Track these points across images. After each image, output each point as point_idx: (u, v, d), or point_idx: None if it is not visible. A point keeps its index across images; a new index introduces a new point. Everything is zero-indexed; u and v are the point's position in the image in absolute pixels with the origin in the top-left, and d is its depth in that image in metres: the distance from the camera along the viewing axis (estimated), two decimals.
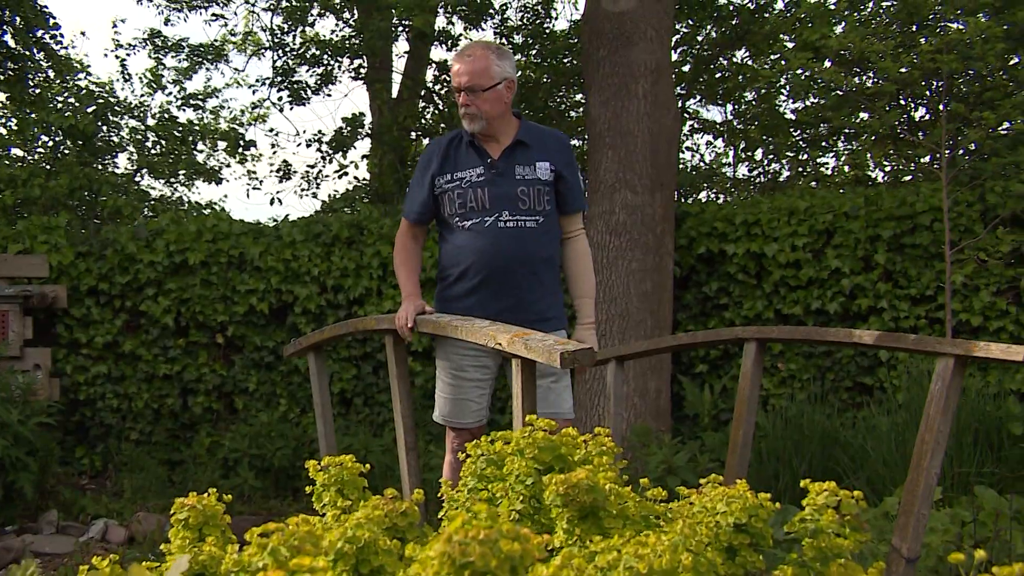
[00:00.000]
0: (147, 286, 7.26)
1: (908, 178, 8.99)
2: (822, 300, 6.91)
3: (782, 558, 2.20)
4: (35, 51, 9.82)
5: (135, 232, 7.36)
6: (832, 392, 6.83)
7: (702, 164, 12.54)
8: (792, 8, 10.30)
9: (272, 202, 17.36)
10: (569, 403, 3.84)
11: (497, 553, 1.19)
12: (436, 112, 12.28)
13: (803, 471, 5.72)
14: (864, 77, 7.68)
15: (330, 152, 11.82)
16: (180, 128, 10.66)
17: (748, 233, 7.09)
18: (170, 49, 11.42)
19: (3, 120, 9.73)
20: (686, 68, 11.41)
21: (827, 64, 7.72)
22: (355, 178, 11.95)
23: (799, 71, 7.73)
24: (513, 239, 3.68)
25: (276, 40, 11.38)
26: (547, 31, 11.67)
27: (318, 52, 11.20)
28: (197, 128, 11.06)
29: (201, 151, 11.40)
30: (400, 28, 11.17)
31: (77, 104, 9.27)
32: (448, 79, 11.78)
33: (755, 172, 11.98)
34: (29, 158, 9.40)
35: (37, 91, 9.86)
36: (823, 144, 10.80)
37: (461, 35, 11.58)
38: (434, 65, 11.99)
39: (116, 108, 9.96)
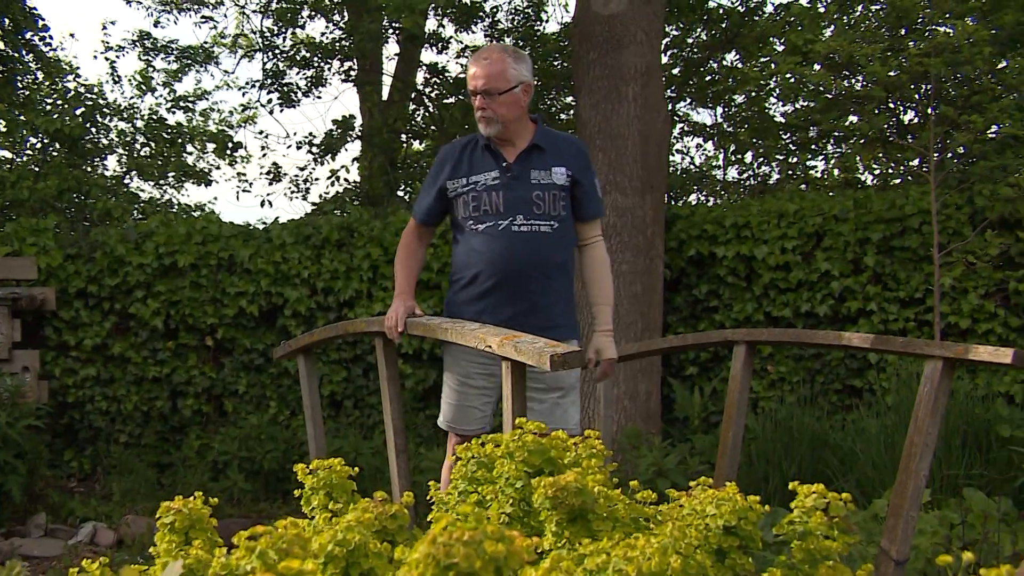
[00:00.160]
0: (136, 288, 7.24)
1: (897, 181, 9.01)
2: (811, 303, 6.92)
3: (771, 560, 2.20)
4: (24, 53, 9.79)
5: (124, 234, 7.34)
6: (822, 394, 6.85)
7: (692, 167, 12.55)
8: (782, 12, 10.33)
9: (262, 204, 17.36)
10: (576, 418, 3.80)
11: (481, 554, 1.19)
12: (426, 114, 12.28)
13: (793, 473, 5.73)
14: (853, 80, 7.71)
15: (320, 154, 11.80)
16: (169, 130, 10.64)
17: (738, 236, 7.11)
18: (159, 51, 11.40)
19: None
20: (676, 71, 11.43)
21: (816, 67, 7.74)
22: (345, 180, 11.94)
23: (788, 75, 7.75)
24: (527, 243, 3.65)
25: (266, 42, 11.37)
26: (537, 34, 11.68)
27: (308, 54, 11.19)
28: (186, 130, 11.03)
29: (191, 153, 11.38)
30: (390, 30, 11.17)
31: (65, 106, 9.24)
32: (438, 81, 11.78)
33: (745, 175, 11.99)
34: (17, 160, 9.37)
35: (26, 93, 9.83)
36: (812, 147, 10.82)
37: (451, 37, 11.60)
38: (424, 67, 11.99)
39: (105, 110, 9.93)
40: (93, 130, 9.68)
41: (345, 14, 11.64)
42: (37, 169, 8.83)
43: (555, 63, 11.18)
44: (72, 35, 23.55)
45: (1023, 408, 6.10)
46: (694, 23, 11.36)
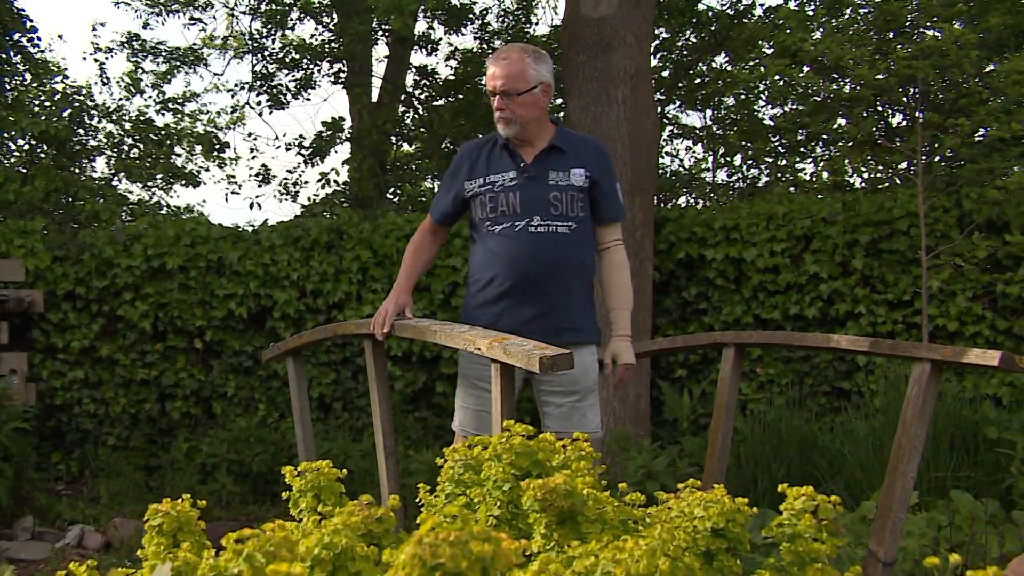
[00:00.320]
0: (125, 290, 7.22)
1: (885, 184, 9.04)
2: (800, 305, 6.94)
3: (760, 562, 2.21)
4: (11, 54, 9.75)
5: (113, 236, 7.32)
6: (810, 397, 6.86)
7: (681, 169, 12.58)
8: (771, 14, 10.35)
9: (251, 206, 17.32)
10: (596, 422, 3.75)
11: (468, 555, 1.19)
12: (416, 116, 12.28)
13: (782, 475, 5.74)
14: (841, 83, 7.73)
15: (309, 157, 11.79)
16: (157, 132, 10.61)
17: (727, 238, 7.12)
18: (148, 53, 11.37)
19: None
20: (665, 73, 11.45)
21: (805, 70, 7.76)
22: (335, 182, 11.94)
23: (776, 77, 7.77)
24: (544, 244, 3.61)
25: (255, 44, 11.35)
26: (527, 36, 11.68)
27: (297, 56, 11.18)
28: (174, 131, 11.00)
29: (179, 155, 11.35)
30: (380, 32, 11.17)
31: (53, 108, 9.21)
32: (428, 83, 11.78)
33: (734, 177, 12.02)
34: (4, 162, 9.33)
35: (14, 94, 9.79)
36: (801, 150, 10.84)
37: (441, 39, 11.60)
38: (414, 70, 11.99)
39: (93, 112, 9.90)
40: (81, 132, 9.65)
41: (334, 16, 11.64)
42: (25, 171, 8.79)
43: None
44: (60, 36, 23.51)
45: (1010, 410, 6.13)
46: (683, 26, 11.38)
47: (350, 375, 7.32)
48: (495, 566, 1.23)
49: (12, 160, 9.21)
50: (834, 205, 7.01)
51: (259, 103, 11.47)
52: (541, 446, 2.10)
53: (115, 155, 10.38)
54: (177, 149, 11.15)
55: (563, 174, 3.67)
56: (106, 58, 11.18)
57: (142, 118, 10.66)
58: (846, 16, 8.20)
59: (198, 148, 11.51)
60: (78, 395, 7.21)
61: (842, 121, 8.36)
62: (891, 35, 7.38)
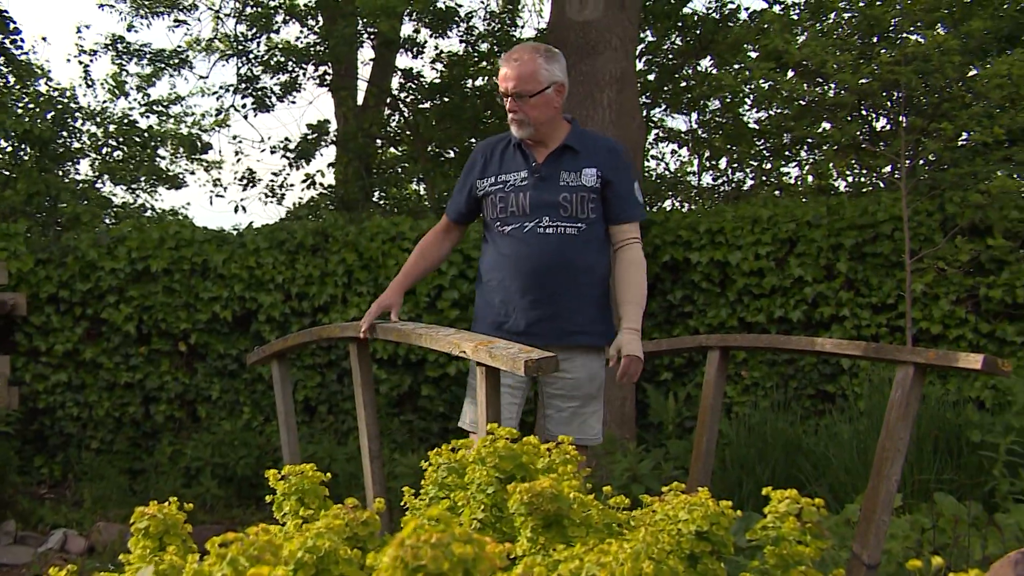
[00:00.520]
0: (108, 293, 7.19)
1: (869, 188, 9.09)
2: (785, 308, 6.96)
3: (744, 565, 2.21)
4: None
5: (96, 239, 7.29)
6: (795, 400, 6.88)
7: (667, 173, 12.62)
8: (756, 18, 10.40)
9: (236, 209, 17.26)
10: (597, 429, 3.72)
11: (449, 556, 1.19)
12: (402, 119, 12.28)
13: (766, 478, 5.76)
14: (825, 88, 7.76)
15: (295, 159, 11.78)
16: (141, 134, 10.57)
17: (712, 241, 7.14)
18: (133, 55, 11.34)
19: None
20: (651, 77, 11.49)
21: (789, 75, 7.79)
22: (320, 185, 11.92)
23: (761, 80, 7.79)
24: (552, 245, 3.57)
25: (240, 47, 11.33)
26: (513, 39, 11.70)
27: (282, 59, 11.16)
28: (158, 134, 10.96)
29: (163, 157, 11.32)
30: (365, 35, 11.16)
31: (36, 110, 9.16)
32: (413, 86, 11.78)
33: (719, 181, 12.07)
34: None
35: None
36: (786, 154, 10.89)
37: (426, 42, 11.60)
38: (399, 72, 11.99)
39: (76, 114, 9.86)
40: (65, 134, 9.61)
41: (320, 19, 11.63)
42: (7, 174, 8.75)
43: None
44: (44, 39, 23.40)
45: (993, 413, 6.16)
46: (669, 29, 11.43)
47: (335, 378, 7.30)
48: (477, 568, 1.23)
49: None
50: (818, 209, 7.03)
51: (244, 106, 11.45)
52: (525, 449, 2.10)
53: (99, 157, 10.34)
54: (161, 151, 11.11)
55: (575, 174, 3.62)
56: (90, 60, 11.15)
57: (126, 120, 10.62)
58: (830, 20, 8.23)
59: (182, 150, 11.49)
60: (61, 398, 7.17)
61: (826, 125, 8.40)
62: (875, 40, 7.42)
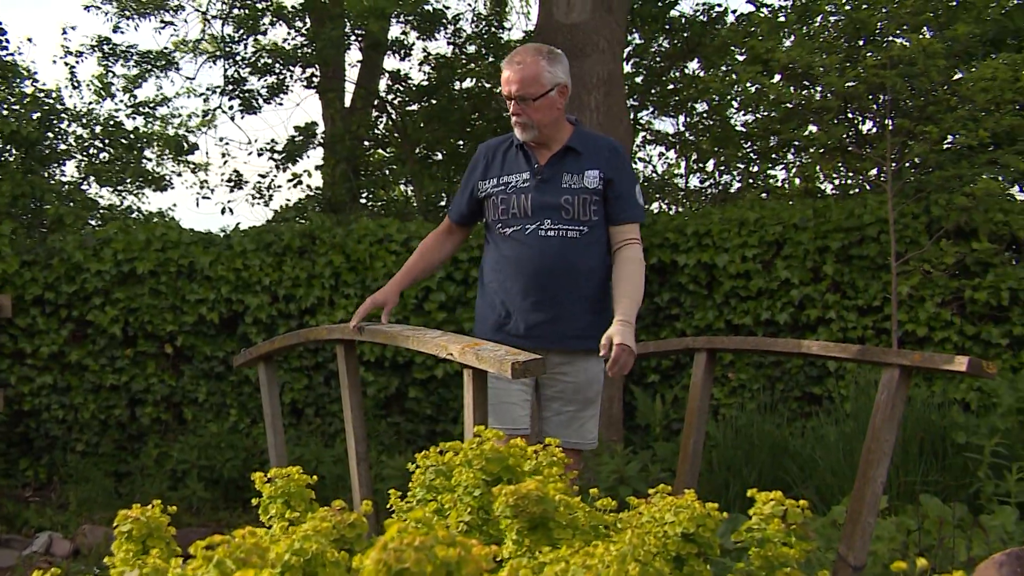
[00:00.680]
0: (94, 295, 7.16)
1: (856, 190, 9.11)
2: (772, 310, 6.98)
3: (730, 567, 2.22)
4: None
5: (82, 241, 7.26)
6: (782, 402, 6.90)
7: (654, 175, 12.63)
8: (743, 21, 10.42)
9: (223, 211, 17.22)
10: (593, 433, 3.71)
11: (433, 559, 1.19)
12: (389, 122, 12.27)
13: (753, 480, 5.77)
14: (812, 90, 7.79)
15: (282, 161, 11.76)
16: (127, 136, 10.53)
17: (699, 244, 7.15)
18: (119, 56, 11.30)
19: None
20: (639, 79, 11.51)
21: (776, 78, 7.81)
22: (307, 187, 11.91)
23: (748, 84, 7.81)
24: (554, 248, 3.56)
25: (227, 49, 11.31)
26: (501, 41, 11.70)
27: (270, 61, 11.14)
28: (145, 135, 10.92)
29: (149, 159, 11.28)
30: (353, 37, 11.15)
31: (22, 111, 9.12)
32: (401, 88, 11.77)
33: (707, 183, 12.09)
34: None
35: None
36: (773, 156, 10.92)
37: (414, 44, 11.59)
38: (387, 74, 11.98)
39: (62, 115, 9.82)
40: (50, 135, 9.57)
41: (307, 21, 11.61)
42: None
43: None
44: (30, 40, 23.29)
45: (979, 415, 6.18)
46: (656, 32, 11.45)
47: (322, 380, 7.29)
48: (461, 571, 1.23)
49: None
50: (805, 211, 7.06)
51: (231, 107, 11.42)
52: (512, 452, 2.10)
53: (85, 159, 10.30)
54: (147, 153, 11.07)
55: (577, 176, 3.61)
56: (76, 61, 11.10)
57: (112, 122, 10.58)
58: (816, 23, 8.26)
59: (168, 152, 11.45)
60: (46, 401, 7.14)
61: (813, 128, 8.42)
62: (861, 43, 7.44)
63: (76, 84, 10.83)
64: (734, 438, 6.18)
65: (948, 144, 7.26)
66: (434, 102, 11.33)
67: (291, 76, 11.37)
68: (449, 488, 2.09)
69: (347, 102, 12.11)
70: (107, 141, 10.36)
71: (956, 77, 7.14)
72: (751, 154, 11.30)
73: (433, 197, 11.36)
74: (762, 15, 9.39)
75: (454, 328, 7.05)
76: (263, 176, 12.07)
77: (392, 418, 7.30)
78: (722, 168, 11.81)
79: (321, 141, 11.76)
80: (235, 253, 7.29)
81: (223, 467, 6.81)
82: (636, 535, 1.81)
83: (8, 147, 9.03)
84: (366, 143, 12.34)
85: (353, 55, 12.22)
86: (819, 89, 7.55)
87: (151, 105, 11.54)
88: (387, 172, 12.83)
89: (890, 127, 6.98)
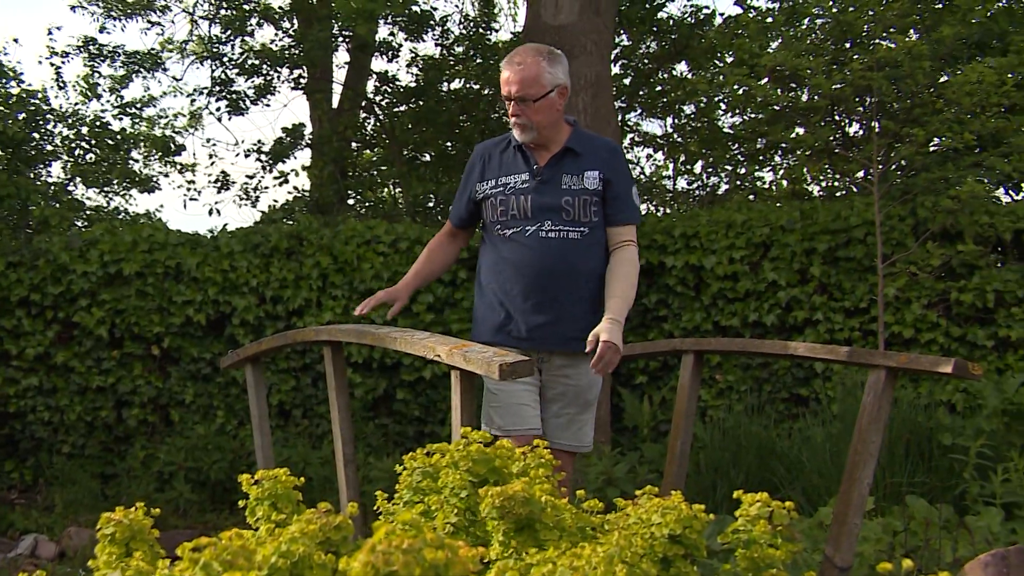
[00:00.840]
0: (80, 297, 7.14)
1: (843, 192, 9.15)
2: (759, 312, 6.99)
3: (717, 568, 2.22)
4: None
5: (68, 242, 7.23)
6: (769, 403, 6.92)
7: (642, 177, 12.65)
8: (731, 23, 10.45)
9: (210, 212, 17.18)
10: (590, 436, 3.70)
11: (421, 562, 1.19)
12: (377, 123, 12.26)
13: (740, 482, 5.78)
14: (799, 92, 7.81)
15: (269, 162, 11.74)
16: (114, 136, 10.49)
17: (687, 245, 7.16)
18: (105, 57, 11.26)
19: None
20: (627, 81, 11.52)
21: (764, 80, 7.83)
22: (295, 188, 11.89)
23: (736, 86, 7.83)
24: (555, 250, 3.54)
25: (214, 50, 11.28)
26: (489, 43, 11.70)
27: (257, 62, 11.12)
28: (131, 136, 10.88)
29: (136, 160, 11.24)
30: (340, 39, 11.14)
31: (7, 111, 9.08)
32: (388, 90, 11.76)
33: (694, 185, 12.11)
34: None
35: None
36: (760, 158, 10.94)
37: (402, 46, 11.58)
38: (375, 76, 11.97)
39: (48, 116, 9.78)
40: (36, 136, 9.53)
41: (295, 22, 11.59)
42: None
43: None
44: (16, 40, 23.21)
45: (964, 416, 6.21)
46: (644, 34, 11.46)
47: (310, 382, 7.28)
48: (449, 573, 1.22)
49: None
50: (792, 213, 7.07)
51: (218, 108, 11.40)
52: (499, 453, 2.10)
53: (71, 160, 10.26)
54: (134, 154, 11.03)
55: (576, 178, 3.59)
56: (62, 62, 11.05)
57: (99, 123, 10.54)
58: (804, 26, 8.29)
59: (155, 153, 11.41)
60: (32, 402, 7.11)
61: (800, 130, 8.45)
62: (847, 45, 7.47)
63: (62, 84, 10.79)
64: (721, 439, 6.20)
65: (934, 146, 7.30)
66: (422, 103, 11.33)
67: (278, 77, 11.35)
68: (436, 490, 2.09)
69: (335, 103, 12.10)
70: (93, 142, 10.32)
71: (942, 80, 7.17)
72: (739, 156, 11.32)
73: (421, 199, 11.34)
74: (749, 17, 9.41)
75: (442, 330, 7.05)
76: (250, 177, 12.05)
77: (380, 420, 7.29)
78: (710, 170, 11.83)
79: (309, 142, 11.74)
80: (222, 254, 7.28)
81: (210, 469, 6.79)
82: (623, 536, 1.81)
83: None
84: (354, 144, 12.33)
85: (341, 56, 12.22)
86: (806, 91, 7.57)
87: (138, 106, 11.50)
88: (375, 174, 12.82)
89: (876, 129, 7.00)
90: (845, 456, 4.19)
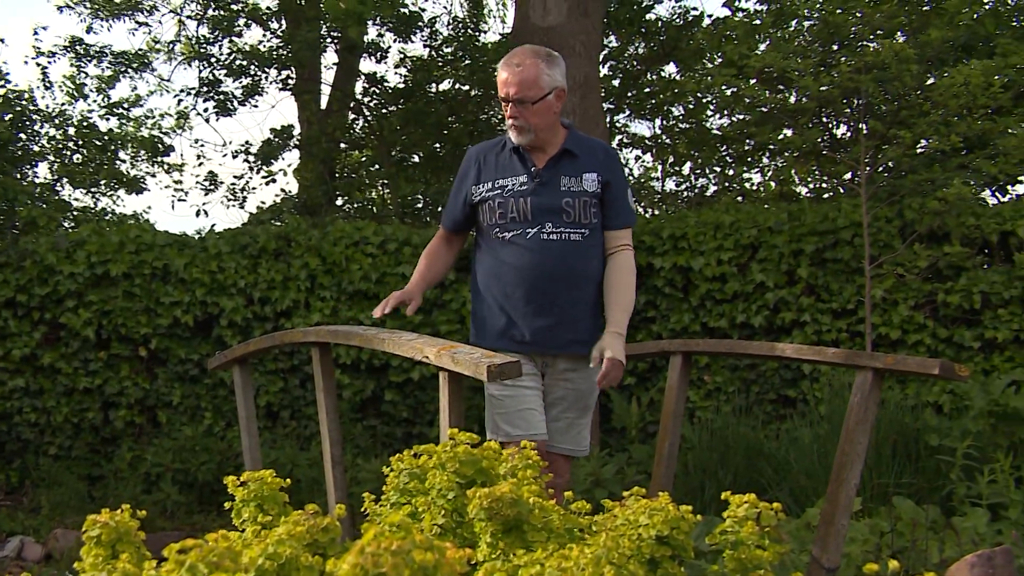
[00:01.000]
0: (67, 298, 7.11)
1: (830, 194, 9.17)
2: (747, 313, 7.01)
3: (704, 570, 2.22)
4: None
5: (55, 243, 7.20)
6: (757, 404, 6.93)
7: (631, 178, 12.66)
8: (719, 25, 10.47)
9: (198, 214, 17.13)
10: (587, 440, 3.69)
11: (410, 563, 1.19)
12: (365, 124, 12.24)
13: (728, 483, 5.79)
14: (787, 94, 7.83)
15: (257, 163, 11.71)
16: (101, 137, 10.45)
17: (675, 247, 7.17)
18: (92, 57, 11.21)
19: None
20: (615, 83, 11.54)
21: (752, 82, 7.85)
22: (283, 190, 11.87)
23: (724, 87, 7.85)
24: (556, 252, 3.50)
25: (202, 51, 11.25)
26: (477, 44, 11.71)
27: (244, 62, 11.10)
28: (119, 137, 10.85)
29: (123, 160, 11.20)
30: (329, 40, 11.13)
31: None
32: (377, 91, 11.75)
33: (683, 186, 12.13)
34: None
35: None
36: (748, 160, 10.97)
37: (390, 47, 11.58)
38: (363, 77, 11.96)
39: (35, 116, 9.73)
40: (23, 136, 9.49)
41: (283, 23, 11.57)
42: None
43: (495, 73, 11.22)
44: (2, 41, 23.11)
45: (951, 418, 6.23)
46: (632, 35, 11.48)
47: (298, 383, 7.26)
48: (437, 575, 1.22)
49: None
50: (780, 215, 7.09)
51: (206, 109, 11.37)
52: (486, 454, 2.10)
53: (58, 160, 10.22)
54: (122, 155, 10.99)
55: (575, 179, 3.56)
56: (49, 62, 11.00)
57: (86, 123, 10.50)
58: (791, 28, 8.31)
59: (142, 153, 11.37)
60: (19, 404, 7.08)
61: (788, 131, 8.47)
62: (835, 47, 7.49)
63: (48, 85, 10.74)
64: (709, 440, 6.21)
65: (921, 148, 7.32)
66: (410, 104, 11.32)
67: (266, 78, 11.33)
68: (423, 491, 2.09)
69: (323, 104, 12.08)
70: (80, 142, 10.29)
71: (929, 82, 7.20)
72: (727, 157, 11.34)
73: (409, 200, 11.34)
74: (737, 19, 9.44)
75: (431, 331, 7.04)
76: (238, 178, 12.02)
77: (368, 421, 7.28)
78: (698, 171, 11.85)
79: (297, 143, 11.72)
80: (210, 255, 7.26)
81: (197, 470, 6.77)
82: (610, 538, 1.81)
83: None
84: (342, 145, 12.31)
85: (329, 57, 12.21)
86: (794, 93, 7.59)
87: (125, 106, 11.46)
88: (363, 174, 12.80)
89: (864, 131, 7.02)
90: (832, 457, 4.20)
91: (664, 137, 12.00)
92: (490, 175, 3.63)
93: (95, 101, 11.21)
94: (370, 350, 6.79)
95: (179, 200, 12.22)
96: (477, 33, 11.98)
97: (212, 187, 11.95)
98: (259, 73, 11.22)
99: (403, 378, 7.17)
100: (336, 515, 2.10)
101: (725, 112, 9.73)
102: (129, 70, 11.50)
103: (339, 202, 12.18)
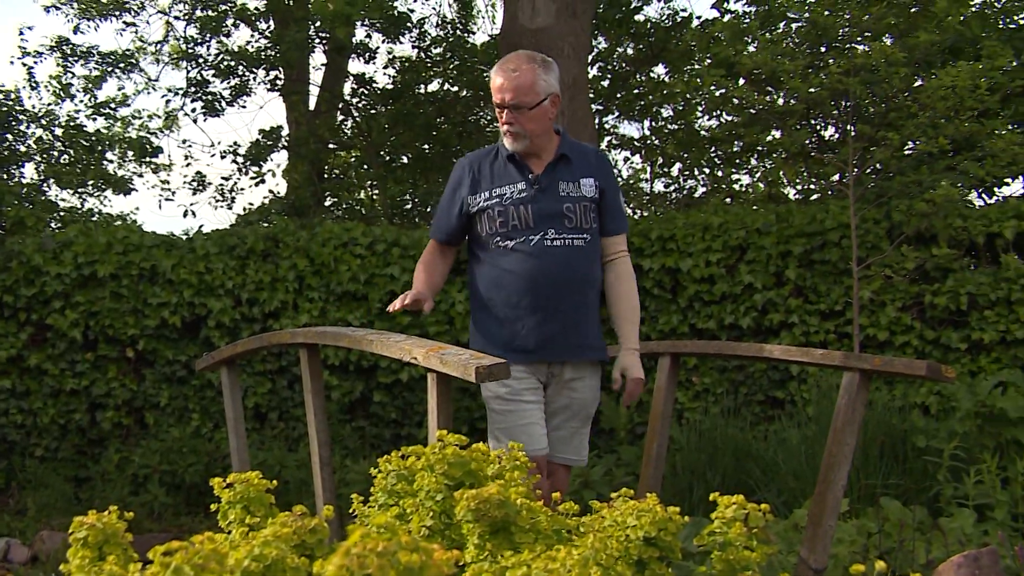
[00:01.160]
0: (54, 299, 7.08)
1: (818, 196, 9.20)
2: (735, 315, 7.02)
3: (692, 571, 2.22)
4: None
5: (42, 244, 7.17)
6: (745, 406, 6.94)
7: (619, 179, 12.68)
8: (708, 26, 10.50)
9: (185, 214, 17.08)
10: (586, 449, 3.69)
11: (396, 565, 1.19)
12: (354, 125, 12.23)
13: (717, 484, 5.80)
14: (775, 96, 7.85)
15: (245, 164, 11.69)
16: (88, 138, 10.42)
17: (664, 248, 7.18)
18: (79, 57, 11.18)
19: None
20: (604, 84, 11.55)
21: (740, 82, 7.86)
22: (271, 191, 11.86)
23: (713, 87, 7.86)
24: (561, 258, 3.47)
25: (190, 51, 11.22)
26: (466, 45, 11.71)
27: (232, 63, 11.07)
28: (106, 137, 10.81)
29: (110, 160, 11.17)
30: (317, 40, 11.11)
31: None
32: (365, 92, 11.74)
33: (671, 188, 12.15)
34: None
35: None
36: (737, 161, 10.99)
37: (379, 48, 11.58)
38: (351, 78, 11.95)
39: (21, 116, 9.70)
40: (9, 137, 9.45)
41: (271, 23, 11.56)
42: None
43: (484, 74, 11.23)
44: None
45: (938, 419, 6.25)
46: (621, 37, 11.50)
47: (286, 384, 7.25)
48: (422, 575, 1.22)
49: None
50: (768, 216, 7.10)
51: (194, 110, 11.34)
52: (474, 456, 2.10)
53: (44, 161, 10.18)
54: (109, 155, 10.96)
55: (572, 185, 3.54)
56: (35, 62, 10.97)
57: (73, 123, 10.47)
58: (780, 30, 8.32)
59: (130, 154, 11.34)
60: (5, 405, 7.04)
61: (776, 133, 8.49)
62: (823, 49, 7.51)
63: (34, 85, 10.70)
64: (698, 442, 6.21)
65: (909, 150, 7.34)
66: (399, 105, 11.32)
67: (254, 79, 11.31)
68: (411, 493, 2.08)
69: (311, 105, 12.07)
70: (67, 143, 10.25)
71: (917, 84, 7.22)
72: (715, 159, 11.37)
73: (398, 200, 11.33)
74: (726, 21, 9.46)
75: (419, 333, 7.03)
76: (226, 179, 12.00)
77: (356, 422, 7.27)
78: (686, 173, 11.88)
79: (285, 144, 11.70)
80: (198, 256, 7.24)
81: (185, 472, 6.75)
82: (598, 539, 1.81)
83: None
84: (330, 146, 12.30)
85: (317, 58, 12.20)
86: (782, 95, 7.60)
87: (112, 106, 11.42)
88: (352, 175, 12.79)
89: (852, 133, 7.04)
90: (820, 458, 4.21)
91: (653, 138, 12.03)
92: (487, 184, 3.58)
93: (82, 101, 11.19)
94: (358, 351, 6.78)
95: (166, 200, 12.20)
96: (466, 34, 11.98)
97: (200, 188, 11.93)
98: (247, 74, 11.21)
99: (392, 379, 7.16)
100: (324, 516, 2.10)
101: (714, 113, 9.75)
102: (116, 70, 11.46)
103: (327, 203, 12.17)
